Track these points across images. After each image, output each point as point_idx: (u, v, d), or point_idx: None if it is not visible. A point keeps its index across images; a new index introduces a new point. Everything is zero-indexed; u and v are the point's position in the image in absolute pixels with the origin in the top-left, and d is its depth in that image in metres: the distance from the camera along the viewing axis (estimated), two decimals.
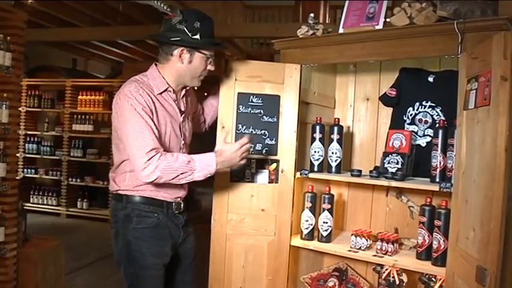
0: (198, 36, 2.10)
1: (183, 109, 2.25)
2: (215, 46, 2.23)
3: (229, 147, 2.16)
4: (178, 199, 2.24)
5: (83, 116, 7.27)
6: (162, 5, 2.05)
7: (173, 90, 2.19)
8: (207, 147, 2.25)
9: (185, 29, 2.08)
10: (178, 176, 2.03)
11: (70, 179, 7.29)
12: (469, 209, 1.90)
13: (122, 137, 2.07)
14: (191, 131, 2.36)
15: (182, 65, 2.14)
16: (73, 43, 9.44)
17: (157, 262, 2.14)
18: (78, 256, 5.07)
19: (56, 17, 7.91)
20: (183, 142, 2.26)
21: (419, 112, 2.67)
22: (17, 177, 3.35)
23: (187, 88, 2.28)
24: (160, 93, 2.14)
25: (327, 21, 9.46)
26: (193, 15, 2.13)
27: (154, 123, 2.05)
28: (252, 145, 2.27)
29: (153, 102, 2.08)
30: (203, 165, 2.07)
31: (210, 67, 2.21)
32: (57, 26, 8.45)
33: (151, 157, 1.97)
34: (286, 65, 2.60)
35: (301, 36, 2.62)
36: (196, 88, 2.34)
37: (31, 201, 7.43)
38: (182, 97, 2.26)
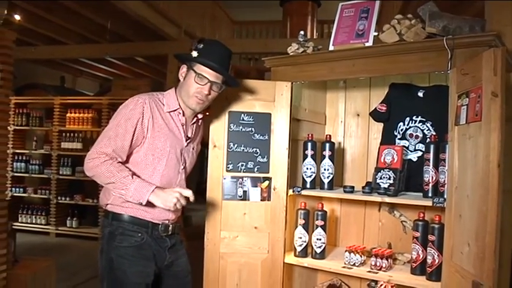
0: (195, 54, 2.10)
1: (189, 135, 2.23)
2: (209, 68, 2.08)
3: (169, 190, 2.05)
4: (167, 221, 2.17)
5: (72, 134, 7.20)
6: None
7: (183, 112, 2.18)
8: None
9: (192, 48, 2.12)
10: (110, 183, 2.00)
11: (59, 198, 7.19)
12: (463, 223, 1.90)
13: None
14: (193, 161, 2.33)
15: (181, 82, 2.17)
16: (61, 61, 9.42)
17: (140, 281, 2.09)
18: (68, 276, 4.97)
19: (43, 34, 7.90)
20: (182, 167, 2.22)
21: (410, 127, 2.69)
22: (7, 198, 3.31)
23: (200, 117, 2.27)
24: (169, 112, 2.15)
25: (314, 36, 9.57)
26: (208, 41, 2.17)
27: (133, 137, 2.04)
28: (191, 200, 2.06)
29: (153, 117, 2.08)
30: (135, 192, 1.99)
31: (205, 90, 2.09)
32: (45, 44, 8.43)
33: (100, 156, 1.98)
34: (277, 82, 2.60)
35: (292, 53, 2.63)
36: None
37: (19, 220, 7.32)
38: (193, 123, 2.25)
